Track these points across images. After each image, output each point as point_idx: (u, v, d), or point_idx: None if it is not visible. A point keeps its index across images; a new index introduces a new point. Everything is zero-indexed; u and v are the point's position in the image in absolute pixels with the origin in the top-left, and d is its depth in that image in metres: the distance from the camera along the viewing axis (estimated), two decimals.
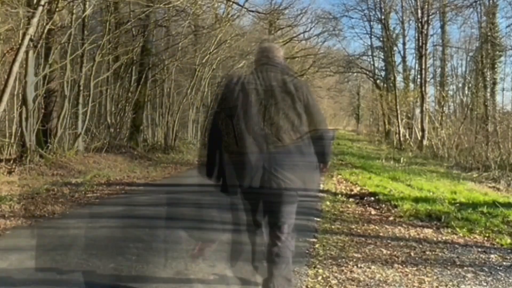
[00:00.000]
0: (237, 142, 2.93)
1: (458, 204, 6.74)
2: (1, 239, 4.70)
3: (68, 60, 11.44)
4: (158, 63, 17.17)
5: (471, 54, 26.86)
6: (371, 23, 32.30)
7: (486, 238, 5.01)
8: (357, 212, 6.50)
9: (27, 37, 8.60)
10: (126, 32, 14.79)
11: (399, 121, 24.88)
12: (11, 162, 9.38)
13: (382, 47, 32.64)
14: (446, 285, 3.53)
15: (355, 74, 39.66)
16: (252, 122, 2.85)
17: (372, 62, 35.73)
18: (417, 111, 25.11)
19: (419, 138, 22.42)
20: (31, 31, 8.70)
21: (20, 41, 8.78)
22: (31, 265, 3.78)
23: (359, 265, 3.94)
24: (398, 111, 25.04)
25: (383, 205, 6.90)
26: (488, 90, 22.70)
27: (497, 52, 22.87)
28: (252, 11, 21.46)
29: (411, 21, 28.14)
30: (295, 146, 2.91)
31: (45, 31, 9.89)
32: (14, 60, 8.58)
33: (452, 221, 5.64)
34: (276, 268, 2.90)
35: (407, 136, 24.93)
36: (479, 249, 4.56)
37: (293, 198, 2.96)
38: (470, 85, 26.68)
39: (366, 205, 7.01)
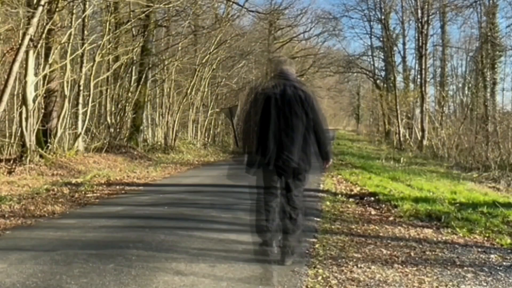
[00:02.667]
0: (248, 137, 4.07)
1: (458, 204, 6.74)
2: (1, 239, 4.71)
3: (68, 60, 11.44)
4: (158, 63, 17.18)
5: (471, 54, 26.89)
6: (371, 23, 32.38)
7: (486, 238, 5.00)
8: (357, 212, 6.50)
9: (27, 37, 8.60)
10: (126, 32, 14.79)
11: (399, 121, 24.89)
12: (11, 162, 9.38)
13: (382, 47, 32.67)
14: (446, 285, 3.53)
15: (355, 74, 39.73)
16: (271, 120, 3.89)
17: (372, 62, 35.81)
18: (417, 111, 25.13)
19: (419, 138, 22.44)
20: (31, 31, 8.70)
21: (20, 41, 8.78)
22: (31, 265, 3.78)
23: (359, 265, 3.94)
24: (398, 111, 25.06)
25: (383, 205, 6.89)
26: (488, 90, 22.69)
27: (497, 52, 22.86)
28: (252, 11, 21.50)
29: (411, 21, 28.21)
30: (302, 138, 3.91)
31: (45, 31, 9.89)
32: (14, 60, 8.58)
33: (452, 221, 5.64)
34: (291, 230, 3.90)
35: (407, 136, 24.94)
36: (479, 249, 4.56)
37: (301, 175, 4.00)
38: (470, 85, 26.71)
39: (366, 205, 7.01)
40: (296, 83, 4.04)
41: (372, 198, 7.53)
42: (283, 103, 3.89)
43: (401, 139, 24.24)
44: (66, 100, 11.44)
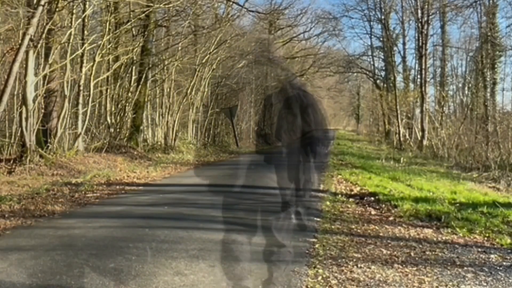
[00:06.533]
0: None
1: (458, 204, 6.74)
2: (1, 239, 4.71)
3: (68, 60, 11.43)
4: (158, 63, 17.17)
5: (471, 54, 26.86)
6: (371, 23, 32.38)
7: (486, 238, 5.01)
8: (357, 212, 6.50)
9: (27, 37, 8.60)
10: (126, 32, 14.78)
11: (399, 121, 24.89)
12: (11, 162, 9.38)
13: (382, 47, 32.67)
14: (446, 285, 3.54)
15: (355, 74, 39.74)
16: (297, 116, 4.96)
17: (372, 62, 35.80)
18: (417, 111, 25.14)
19: (419, 138, 22.44)
20: (31, 31, 8.70)
21: (20, 41, 8.78)
22: (31, 265, 3.78)
23: (359, 265, 3.94)
24: (398, 111, 25.05)
25: (383, 205, 6.89)
26: (488, 90, 22.67)
27: (497, 52, 22.84)
28: (252, 11, 21.52)
29: (411, 21, 28.20)
30: (310, 135, 4.89)
31: (45, 31, 9.88)
32: (14, 60, 8.58)
33: (452, 221, 5.64)
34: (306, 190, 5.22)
35: (407, 136, 24.94)
36: (479, 249, 4.56)
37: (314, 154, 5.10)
38: (470, 85, 26.68)
39: (366, 205, 7.01)
40: (304, 90, 5.24)
41: (372, 198, 7.52)
42: (301, 103, 5.00)
43: (401, 139, 24.24)
44: (66, 100, 11.43)
